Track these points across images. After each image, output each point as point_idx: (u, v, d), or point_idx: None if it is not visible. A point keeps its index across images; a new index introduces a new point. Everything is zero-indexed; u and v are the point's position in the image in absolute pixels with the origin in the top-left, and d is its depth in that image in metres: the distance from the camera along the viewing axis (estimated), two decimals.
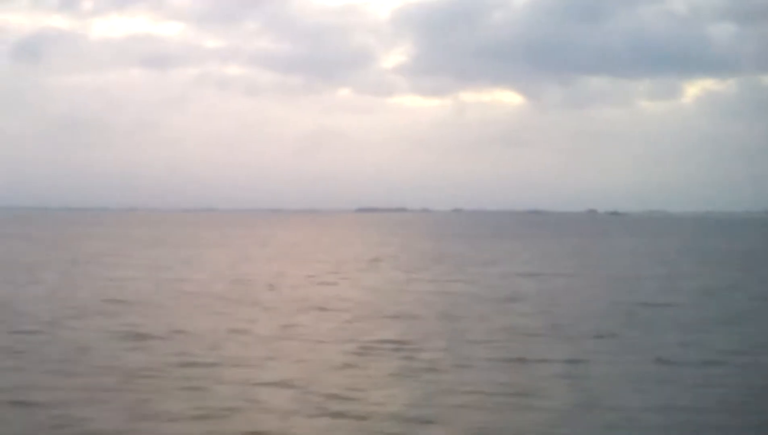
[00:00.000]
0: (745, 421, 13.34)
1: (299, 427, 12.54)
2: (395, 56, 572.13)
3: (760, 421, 13.47)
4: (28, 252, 56.75)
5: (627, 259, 55.26)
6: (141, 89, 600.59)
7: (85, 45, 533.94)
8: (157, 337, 20.73)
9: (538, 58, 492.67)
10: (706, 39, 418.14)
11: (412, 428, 12.65)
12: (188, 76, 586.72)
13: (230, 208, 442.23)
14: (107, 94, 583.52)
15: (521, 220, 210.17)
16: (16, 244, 68.55)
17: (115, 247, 66.16)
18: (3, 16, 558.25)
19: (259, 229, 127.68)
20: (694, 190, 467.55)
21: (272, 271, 41.63)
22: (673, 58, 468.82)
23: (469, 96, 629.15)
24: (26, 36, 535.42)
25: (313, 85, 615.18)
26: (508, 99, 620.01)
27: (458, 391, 15.03)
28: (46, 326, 22.23)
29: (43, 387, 14.91)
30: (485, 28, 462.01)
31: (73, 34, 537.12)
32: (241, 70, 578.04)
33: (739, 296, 31.81)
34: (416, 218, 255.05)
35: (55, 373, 16.18)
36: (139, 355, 18.24)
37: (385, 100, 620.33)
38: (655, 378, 16.50)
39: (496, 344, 20.12)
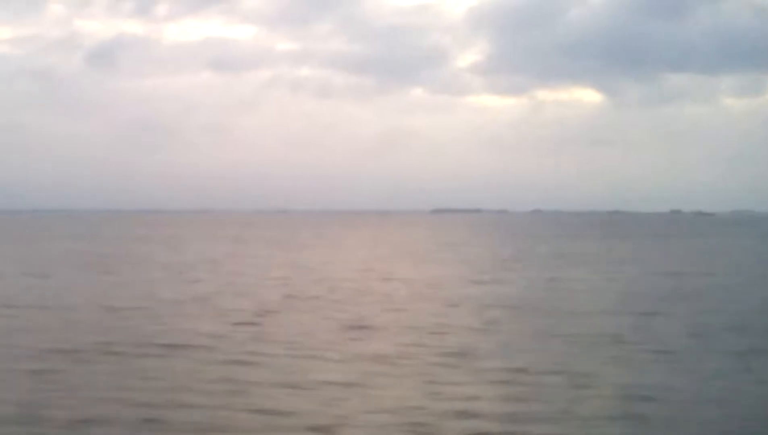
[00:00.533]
0: None
1: (607, 408, 13.83)
2: (470, 55, 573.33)
3: None
4: (153, 253, 59.49)
5: (755, 259, 55.40)
6: (213, 92, 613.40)
7: (159, 49, 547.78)
8: (372, 328, 22.30)
9: (618, 55, 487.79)
10: None
11: (701, 408, 13.88)
12: (260, 78, 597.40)
13: (303, 209, 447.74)
14: (180, 97, 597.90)
15: (608, 221, 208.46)
16: (134, 246, 71.62)
17: (232, 248, 68.67)
18: (80, 23, 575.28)
19: (355, 229, 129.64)
20: None
21: (412, 271, 43.01)
22: (759, 53, 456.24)
23: (546, 94, 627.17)
24: (102, 41, 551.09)
25: (386, 85, 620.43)
26: (586, 97, 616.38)
27: (721, 377, 16.21)
28: (257, 318, 24.04)
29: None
30: (562, 25, 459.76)
31: (147, 39, 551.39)
32: (313, 71, 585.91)
33: None
34: (497, 219, 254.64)
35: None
36: (377, 343, 19.76)
37: (459, 99, 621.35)
38: None
39: (709, 337, 21.17)
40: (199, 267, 44.71)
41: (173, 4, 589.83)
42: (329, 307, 27.13)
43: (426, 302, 28.53)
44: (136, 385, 14.90)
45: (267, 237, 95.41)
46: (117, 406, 13.36)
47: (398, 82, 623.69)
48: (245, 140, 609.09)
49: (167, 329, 21.75)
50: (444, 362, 17.44)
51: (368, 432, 12.24)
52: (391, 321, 23.62)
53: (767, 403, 14.43)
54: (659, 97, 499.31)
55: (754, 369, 17.14)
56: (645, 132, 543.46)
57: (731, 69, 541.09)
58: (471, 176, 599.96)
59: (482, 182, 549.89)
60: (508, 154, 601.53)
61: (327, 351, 18.67)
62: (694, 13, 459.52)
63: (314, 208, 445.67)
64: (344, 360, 17.68)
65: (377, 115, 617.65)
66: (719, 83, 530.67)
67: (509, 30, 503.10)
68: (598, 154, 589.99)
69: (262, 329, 22.10)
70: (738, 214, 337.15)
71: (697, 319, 24.50)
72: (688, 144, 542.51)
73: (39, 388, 14.71)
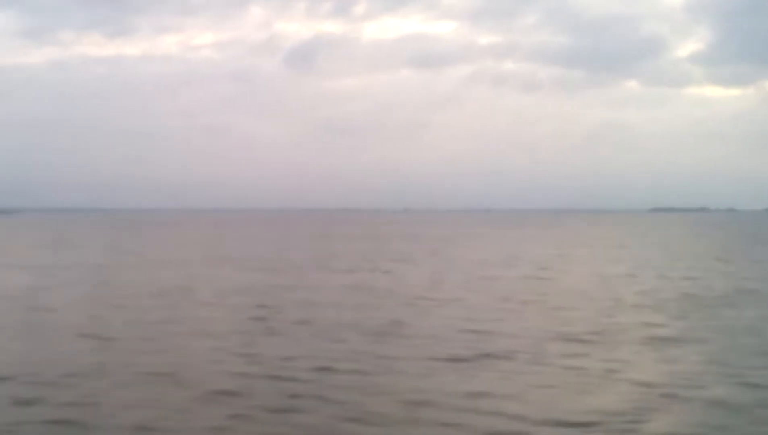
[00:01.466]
0: None
1: None
2: (690, 44, 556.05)
3: None
4: (443, 251, 63.17)
5: None
6: (412, 90, 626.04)
7: (357, 49, 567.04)
8: None
9: None
10: None
11: None
12: (461, 74, 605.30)
13: (507, 208, 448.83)
14: (379, 96, 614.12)
15: None
16: (402, 244, 75.77)
17: (514, 245, 71.58)
18: (279, 25, 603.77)
19: (597, 228, 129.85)
20: None
21: (736, 270, 43.66)
22: None
23: None
24: (300, 43, 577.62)
25: (596, 78, 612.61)
26: None
27: None
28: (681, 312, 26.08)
29: None
30: None
31: (345, 39, 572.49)
32: (517, 65, 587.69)
33: None
34: (728, 219, 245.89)
35: None
36: None
37: (678, 91, 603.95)
38: None
39: None
40: (518, 264, 47.46)
41: (371, 3, 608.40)
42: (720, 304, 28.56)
43: None
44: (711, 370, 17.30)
45: (516, 235, 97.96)
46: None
47: (609, 75, 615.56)
48: (446, 138, 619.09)
49: (619, 321, 24.10)
50: None
51: None
52: None
53: None
54: None
55: None
56: None
57: None
58: (692, 173, 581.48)
59: (706, 179, 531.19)
60: (733, 148, 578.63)
61: None
62: None
63: (519, 207, 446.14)
64: None
65: (587, 110, 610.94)
66: None
67: (733, 16, 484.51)
68: None
69: (707, 323, 23.98)
70: None
71: None
72: None
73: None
